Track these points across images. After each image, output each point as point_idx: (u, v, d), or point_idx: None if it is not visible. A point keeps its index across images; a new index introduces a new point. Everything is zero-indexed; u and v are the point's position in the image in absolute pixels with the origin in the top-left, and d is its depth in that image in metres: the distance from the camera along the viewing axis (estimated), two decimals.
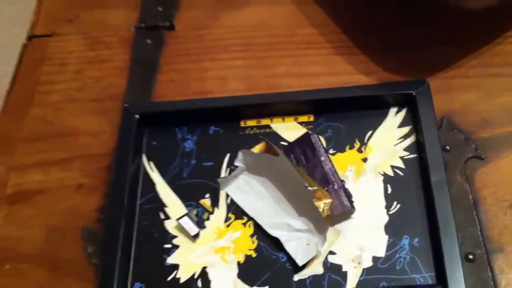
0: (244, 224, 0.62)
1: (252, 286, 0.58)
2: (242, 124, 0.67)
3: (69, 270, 0.62)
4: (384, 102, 0.66)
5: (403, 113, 0.65)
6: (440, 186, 0.58)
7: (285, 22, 0.76)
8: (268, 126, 0.67)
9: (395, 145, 0.64)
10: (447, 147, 0.63)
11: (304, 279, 0.58)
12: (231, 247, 0.61)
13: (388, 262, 0.58)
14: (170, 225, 0.63)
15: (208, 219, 0.62)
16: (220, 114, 0.67)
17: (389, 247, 0.58)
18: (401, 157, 0.63)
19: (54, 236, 0.64)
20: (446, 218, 0.57)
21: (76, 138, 0.70)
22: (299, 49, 0.73)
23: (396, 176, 0.62)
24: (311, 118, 0.67)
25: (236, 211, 0.62)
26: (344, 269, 0.58)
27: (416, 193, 0.61)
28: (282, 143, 0.66)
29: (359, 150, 0.64)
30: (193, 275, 0.59)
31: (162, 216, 0.63)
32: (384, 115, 0.66)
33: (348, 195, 0.60)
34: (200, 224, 0.62)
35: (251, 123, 0.67)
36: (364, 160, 0.63)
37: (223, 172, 0.65)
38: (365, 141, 0.64)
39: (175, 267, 0.60)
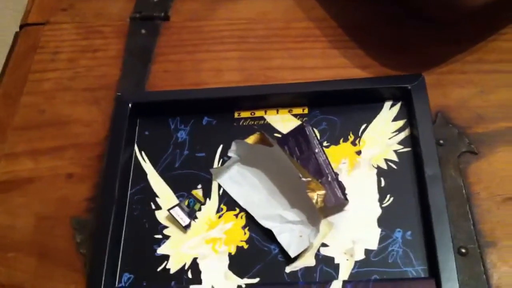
0: (236, 215, 0.61)
1: (243, 277, 0.58)
2: (236, 115, 0.67)
3: (58, 260, 0.61)
4: (379, 96, 0.65)
5: (397, 107, 0.65)
6: (434, 180, 0.58)
7: (282, 15, 0.75)
8: (262, 118, 0.66)
9: (389, 138, 0.63)
10: (441, 141, 0.62)
11: (296, 271, 0.57)
12: (222, 238, 0.60)
13: (380, 255, 0.57)
14: (161, 216, 0.62)
15: (199, 209, 0.62)
16: (214, 105, 0.67)
17: (382, 240, 0.58)
18: (395, 151, 0.63)
19: (44, 225, 0.63)
20: (439, 211, 0.56)
21: (68, 127, 0.70)
22: (295, 42, 0.73)
23: (390, 169, 0.62)
24: (306, 111, 0.66)
25: (228, 202, 0.62)
26: (336, 261, 0.57)
27: (410, 186, 0.60)
28: (276, 134, 0.65)
29: (353, 143, 0.64)
30: (184, 266, 0.59)
31: (153, 206, 0.63)
32: (379, 109, 0.65)
33: (342, 188, 0.60)
34: (192, 214, 0.61)
35: (245, 114, 0.67)
36: (358, 153, 0.63)
37: (216, 163, 0.64)
38: (359, 134, 0.64)
39: (166, 257, 0.59)
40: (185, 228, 0.60)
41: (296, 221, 0.59)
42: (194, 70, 0.72)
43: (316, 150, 0.62)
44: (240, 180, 0.63)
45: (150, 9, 0.77)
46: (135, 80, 0.72)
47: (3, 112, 0.72)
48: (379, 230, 0.58)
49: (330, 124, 0.65)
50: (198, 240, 0.60)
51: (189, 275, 0.58)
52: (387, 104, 0.65)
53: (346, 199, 0.59)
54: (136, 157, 0.66)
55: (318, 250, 0.58)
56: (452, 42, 0.69)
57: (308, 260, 0.58)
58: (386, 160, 0.62)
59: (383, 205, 0.60)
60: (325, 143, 0.64)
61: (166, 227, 0.61)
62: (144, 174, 0.64)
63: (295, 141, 0.63)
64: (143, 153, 0.66)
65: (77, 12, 0.79)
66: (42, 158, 0.68)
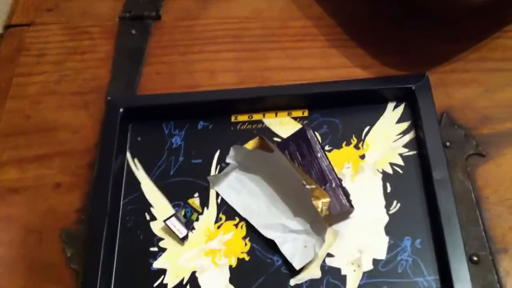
0: (236, 225, 0.58)
1: None
2: (233, 119, 0.64)
3: (47, 275, 0.58)
4: (382, 97, 0.63)
5: (401, 108, 0.62)
6: (443, 184, 0.55)
7: (278, 13, 0.72)
8: (260, 121, 0.64)
9: (394, 141, 0.61)
10: (447, 144, 0.60)
11: (301, 284, 0.54)
12: (222, 250, 0.57)
13: (389, 265, 0.55)
14: (156, 227, 0.59)
15: (197, 220, 0.59)
16: (210, 108, 0.64)
17: (390, 248, 0.55)
18: (400, 154, 0.60)
19: (31, 238, 0.60)
20: (450, 217, 0.54)
21: (55, 133, 0.66)
22: (293, 41, 0.70)
23: (396, 174, 0.59)
24: (306, 113, 0.63)
25: (227, 211, 0.59)
26: (343, 273, 0.55)
27: (417, 191, 0.58)
28: (276, 139, 0.62)
29: (356, 147, 0.61)
30: (182, 280, 0.56)
31: (148, 217, 0.59)
32: (382, 110, 0.63)
33: (346, 194, 0.57)
34: (189, 225, 0.58)
35: (242, 118, 0.64)
36: (362, 157, 0.60)
37: (213, 170, 0.61)
38: (363, 137, 0.61)
39: (162, 271, 0.56)
40: (182, 240, 0.57)
41: (299, 230, 0.56)
42: (187, 72, 0.69)
43: (319, 155, 0.59)
44: (239, 187, 0.60)
45: (141, 8, 0.74)
46: (126, 83, 0.68)
47: None
48: (387, 239, 0.56)
49: (331, 127, 0.62)
50: (196, 253, 0.57)
51: None
52: (390, 105, 0.63)
53: (352, 206, 0.57)
54: (128, 164, 0.62)
55: (324, 261, 0.55)
56: (454, 40, 0.67)
57: (314, 272, 0.55)
58: (391, 164, 0.60)
59: (390, 212, 0.57)
60: (327, 147, 0.61)
61: (162, 239, 0.58)
62: (137, 182, 0.61)
63: (296, 146, 0.60)
64: (135, 160, 0.63)
65: (63, 12, 0.75)
66: (28, 166, 0.64)
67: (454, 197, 0.55)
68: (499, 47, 0.66)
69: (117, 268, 0.57)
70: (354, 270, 0.55)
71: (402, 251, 0.55)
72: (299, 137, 0.61)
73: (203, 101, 0.64)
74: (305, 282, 0.54)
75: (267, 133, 0.62)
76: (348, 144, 0.61)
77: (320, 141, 0.61)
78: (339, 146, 0.61)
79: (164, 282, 0.56)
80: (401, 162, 0.59)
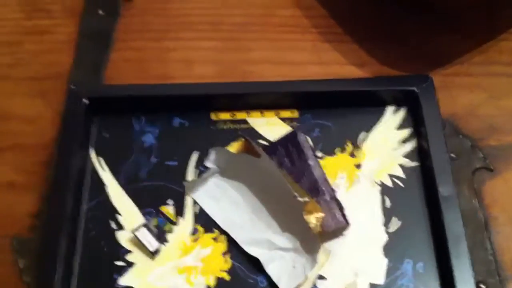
0: (215, 238, 0.51)
1: None
2: (213, 117, 0.57)
3: None
4: (380, 99, 0.57)
5: (401, 112, 0.56)
6: (450, 202, 0.50)
7: (264, 0, 0.65)
8: (244, 121, 0.56)
9: (394, 150, 0.55)
10: (452, 155, 0.54)
11: None
12: (198, 267, 0.50)
13: None
14: (123, 238, 0.51)
15: (170, 231, 0.51)
16: (187, 103, 0.56)
17: (389, 272, 0.49)
18: (401, 165, 0.54)
19: None
20: (457, 240, 0.48)
21: (7, 124, 0.58)
22: (280, 32, 0.63)
23: (396, 187, 0.53)
24: (295, 114, 0.57)
25: (205, 222, 0.52)
26: None
27: (420, 208, 0.52)
28: (261, 141, 0.55)
29: (352, 155, 0.55)
30: None
31: (114, 226, 0.52)
32: (380, 114, 0.56)
33: (341, 208, 0.51)
34: (161, 237, 0.51)
35: (224, 116, 0.57)
36: (358, 166, 0.54)
37: (190, 174, 0.54)
38: (359, 144, 0.55)
39: None
40: (153, 253, 0.50)
41: (288, 248, 0.50)
42: (160, 61, 0.62)
43: (311, 162, 0.53)
44: (219, 195, 0.53)
45: None
46: (91, 70, 0.61)
47: None
48: (385, 261, 0.50)
49: (323, 131, 0.56)
50: (169, 269, 0.50)
51: None
52: (390, 109, 0.57)
53: (347, 222, 0.50)
54: (92, 164, 0.55)
55: (315, 284, 0.49)
56: (458, 40, 0.61)
57: None
58: (390, 175, 0.53)
59: (389, 230, 0.51)
60: (319, 153, 0.55)
61: (129, 251, 0.51)
62: (102, 185, 0.54)
63: (285, 151, 0.53)
64: (101, 159, 0.55)
65: None
66: None
67: (462, 217, 0.49)
68: (506, 50, 0.61)
69: (77, 285, 0.49)
70: None
71: (402, 275, 0.49)
72: (288, 141, 0.54)
73: (179, 94, 0.56)
74: None
75: (252, 135, 0.55)
76: (343, 151, 0.55)
77: (313, 147, 0.54)
78: (332, 153, 0.55)
79: None
80: (401, 174, 0.54)
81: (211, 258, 0.50)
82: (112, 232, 0.52)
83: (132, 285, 0.49)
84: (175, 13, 0.65)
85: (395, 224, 0.51)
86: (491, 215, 0.52)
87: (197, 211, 0.52)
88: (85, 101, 0.55)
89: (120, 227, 0.52)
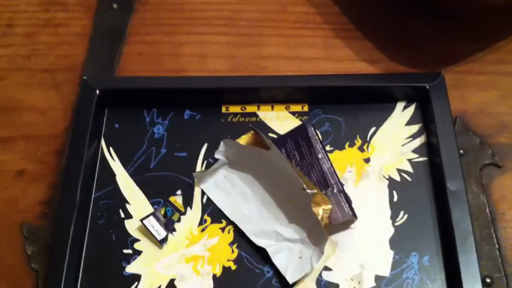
0: (223, 229, 0.52)
1: None
2: (223, 109, 0.57)
3: (3, 275, 0.51)
4: (391, 95, 0.57)
5: (412, 109, 0.56)
6: (457, 197, 0.50)
7: None
8: (254, 114, 0.57)
9: (403, 145, 0.55)
10: (461, 151, 0.54)
11: None
12: (205, 257, 0.50)
13: (393, 283, 0.49)
14: (131, 226, 0.52)
15: (178, 220, 0.52)
16: (198, 96, 0.57)
17: (395, 265, 0.49)
18: (409, 160, 0.54)
19: None
20: (465, 235, 0.48)
21: (21, 114, 0.59)
22: (293, 28, 0.63)
23: (404, 182, 0.53)
24: (306, 108, 0.57)
25: (213, 212, 0.52)
26: None
27: (427, 202, 0.52)
28: (271, 134, 0.56)
29: (361, 149, 0.55)
30: None
31: (123, 215, 0.52)
32: (390, 110, 0.57)
33: (349, 201, 0.51)
34: (169, 226, 0.51)
35: (234, 109, 0.57)
36: (367, 160, 0.54)
37: (199, 165, 0.54)
38: (368, 139, 0.55)
39: (136, 278, 0.50)
40: (161, 242, 0.51)
41: (295, 239, 0.50)
42: (173, 55, 0.62)
43: (320, 156, 0.53)
44: (228, 187, 0.53)
45: None
46: (104, 62, 0.62)
47: None
48: (391, 253, 0.50)
49: (333, 125, 0.56)
50: (176, 258, 0.51)
51: None
52: (400, 105, 0.57)
53: (355, 215, 0.50)
54: (103, 154, 0.55)
55: (320, 275, 0.49)
56: (470, 39, 0.62)
57: (308, 287, 0.49)
58: (399, 170, 0.54)
59: (396, 224, 0.51)
60: (328, 147, 0.55)
61: (137, 240, 0.51)
62: (112, 175, 0.54)
63: (295, 144, 0.54)
64: (111, 149, 0.55)
65: None
66: None
67: (470, 212, 0.49)
68: None
69: (84, 271, 0.50)
70: (354, 287, 0.49)
71: (408, 268, 0.49)
72: (298, 134, 0.54)
73: (191, 88, 0.57)
74: None
75: (261, 128, 0.56)
76: (352, 145, 0.55)
77: (321, 140, 0.54)
78: (341, 147, 0.55)
79: None
80: (410, 169, 0.54)
81: (218, 248, 0.51)
82: (121, 221, 0.52)
83: (139, 273, 0.50)
84: (189, 8, 0.65)
85: (402, 217, 0.51)
86: (499, 211, 0.52)
87: (205, 201, 0.53)
88: (97, 92, 0.55)
89: (129, 216, 0.52)
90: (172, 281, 0.49)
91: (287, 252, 0.50)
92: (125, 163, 0.55)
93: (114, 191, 0.53)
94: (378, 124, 0.56)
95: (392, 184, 0.53)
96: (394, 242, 0.50)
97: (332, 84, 0.56)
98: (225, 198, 0.53)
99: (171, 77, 0.59)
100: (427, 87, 0.55)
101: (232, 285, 0.49)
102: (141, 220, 0.51)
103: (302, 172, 0.52)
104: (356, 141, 0.55)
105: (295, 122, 0.56)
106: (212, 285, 0.49)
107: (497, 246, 0.51)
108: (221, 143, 0.53)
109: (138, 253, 0.51)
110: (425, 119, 0.55)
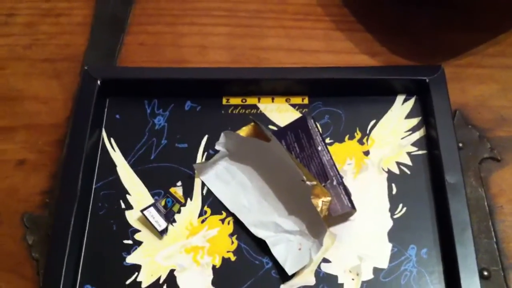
0: (223, 220, 0.52)
1: None
2: (224, 101, 0.57)
3: (4, 264, 0.51)
4: (391, 88, 0.57)
5: (411, 102, 0.57)
6: (456, 190, 0.50)
7: None
8: (255, 106, 0.57)
9: (402, 138, 0.55)
10: (460, 145, 0.54)
11: None
12: (205, 247, 0.51)
13: (391, 275, 0.49)
14: (132, 217, 0.52)
15: (179, 211, 0.52)
16: (199, 87, 0.57)
17: (393, 257, 0.50)
18: (409, 153, 0.54)
19: None
20: (463, 227, 0.48)
21: (21, 104, 0.59)
22: (294, 20, 0.63)
23: (403, 174, 0.53)
24: (306, 100, 0.57)
25: (213, 204, 0.53)
26: (340, 281, 0.49)
27: (426, 195, 0.52)
28: (271, 126, 0.56)
29: (360, 142, 0.55)
30: (158, 279, 0.50)
31: (123, 205, 0.53)
32: (390, 103, 0.57)
33: (348, 194, 0.51)
34: (169, 217, 0.52)
35: (235, 101, 0.57)
36: (366, 153, 0.54)
37: (200, 157, 0.55)
38: (368, 132, 0.55)
39: (136, 268, 0.50)
40: (161, 233, 0.51)
41: (294, 231, 0.50)
42: (174, 45, 0.62)
43: (319, 148, 0.53)
44: (228, 178, 0.53)
45: None
46: (105, 52, 0.62)
47: None
48: (390, 246, 0.50)
49: (333, 118, 0.56)
50: (177, 249, 0.51)
51: None
52: (400, 98, 0.57)
53: (354, 207, 0.51)
54: (103, 144, 0.56)
55: (319, 267, 0.50)
56: (471, 31, 0.62)
57: (307, 278, 0.49)
58: (398, 163, 0.54)
59: (395, 216, 0.51)
60: (327, 140, 0.55)
61: (137, 231, 0.52)
62: (113, 165, 0.55)
63: (295, 136, 0.54)
64: (112, 140, 0.56)
65: None
66: None
67: (468, 205, 0.49)
68: None
69: (85, 261, 0.51)
70: (353, 279, 0.49)
71: (406, 260, 0.50)
72: (298, 126, 0.54)
73: (191, 79, 0.57)
74: None
75: (262, 120, 0.56)
76: (352, 138, 0.55)
77: (321, 133, 0.55)
78: (341, 140, 0.55)
79: (138, 279, 0.50)
80: (409, 162, 0.54)
81: (218, 239, 0.51)
82: (121, 211, 0.52)
83: (139, 263, 0.50)
84: None
85: (400, 210, 0.52)
86: (497, 204, 0.52)
87: (206, 193, 0.53)
88: (98, 82, 0.56)
89: (129, 206, 0.53)
90: (172, 272, 0.50)
91: (286, 243, 0.50)
92: (125, 154, 0.55)
93: (115, 182, 0.54)
94: (378, 117, 0.56)
95: (391, 177, 0.53)
96: (392, 235, 0.51)
97: (332, 77, 0.56)
98: (225, 189, 0.53)
99: (172, 68, 0.59)
100: (427, 80, 0.55)
101: (232, 276, 0.50)
102: (142, 211, 0.51)
103: (302, 164, 0.52)
104: (355, 133, 0.55)
105: (295, 115, 0.56)
106: (211, 275, 0.50)
107: (494, 239, 0.51)
108: (222, 134, 0.53)
109: (138, 243, 0.51)
110: (425, 112, 0.56)
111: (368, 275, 0.49)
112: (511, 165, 0.54)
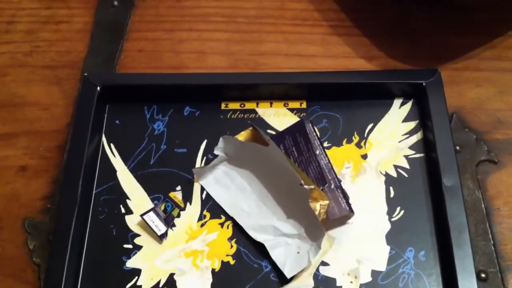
0: (222, 224, 0.52)
1: None
2: (223, 106, 0.58)
3: (5, 269, 0.52)
4: (388, 92, 0.57)
5: (408, 105, 0.57)
6: (453, 192, 0.50)
7: None
8: (253, 111, 0.57)
9: (399, 141, 0.55)
10: (457, 148, 0.55)
11: None
12: (205, 251, 0.51)
13: (389, 277, 0.49)
14: (132, 221, 0.53)
15: (178, 216, 0.53)
16: (198, 93, 0.58)
17: (391, 260, 0.50)
18: (406, 156, 0.55)
19: None
20: (460, 230, 0.49)
21: (22, 110, 0.60)
22: (291, 25, 0.64)
23: (400, 178, 0.54)
24: (304, 105, 0.58)
25: (212, 208, 0.53)
26: (338, 284, 0.49)
27: (423, 198, 0.53)
28: (269, 131, 0.56)
29: (358, 145, 0.55)
30: (158, 283, 0.50)
31: (123, 210, 0.53)
32: (387, 107, 0.57)
33: (346, 197, 0.52)
34: (169, 221, 0.52)
35: (233, 106, 0.58)
36: (364, 157, 0.55)
37: (199, 161, 0.55)
38: (365, 135, 0.56)
39: (136, 272, 0.50)
40: (161, 237, 0.51)
41: (293, 234, 0.51)
42: (173, 51, 0.63)
43: (317, 152, 0.53)
44: (227, 182, 0.54)
45: None
46: (105, 59, 0.62)
47: None
48: (387, 248, 0.51)
49: (331, 122, 0.57)
50: (176, 253, 0.51)
51: None
52: (397, 101, 0.57)
53: (352, 210, 0.51)
54: (103, 150, 0.56)
55: (317, 270, 0.50)
56: (467, 35, 0.62)
57: (305, 281, 0.50)
58: (395, 166, 0.54)
59: (393, 219, 0.52)
60: (325, 144, 0.56)
61: (137, 235, 0.52)
62: (113, 170, 0.55)
63: (293, 140, 0.54)
64: (112, 145, 0.56)
65: None
66: None
67: (465, 207, 0.50)
68: None
69: (86, 266, 0.51)
70: (351, 282, 0.49)
71: (404, 263, 0.50)
72: (296, 130, 0.55)
73: (190, 84, 0.58)
74: None
75: (260, 124, 0.56)
76: (349, 141, 0.56)
77: (319, 137, 0.55)
78: (339, 143, 0.56)
79: (138, 284, 0.50)
80: (406, 165, 0.54)
81: (217, 242, 0.51)
82: (121, 216, 0.53)
83: (139, 267, 0.51)
84: (189, 5, 0.66)
85: (398, 213, 0.52)
86: (494, 206, 0.53)
87: (205, 197, 0.53)
88: (98, 88, 0.56)
89: (129, 211, 0.53)
90: (171, 275, 0.50)
91: (285, 247, 0.50)
92: (125, 159, 0.55)
93: (115, 187, 0.54)
94: (376, 120, 0.56)
95: (389, 180, 0.54)
96: (390, 237, 0.51)
97: (330, 81, 0.57)
98: (224, 193, 0.53)
99: (171, 73, 0.60)
100: (424, 84, 0.55)
101: (231, 280, 0.50)
102: (142, 216, 0.52)
103: (300, 168, 0.52)
104: (353, 137, 0.56)
105: (293, 119, 0.57)
106: (211, 279, 0.50)
107: (492, 241, 0.51)
108: (221, 139, 0.54)
109: (138, 248, 0.52)
110: (422, 115, 0.56)
111: (366, 278, 0.49)
112: (508, 168, 0.55)
